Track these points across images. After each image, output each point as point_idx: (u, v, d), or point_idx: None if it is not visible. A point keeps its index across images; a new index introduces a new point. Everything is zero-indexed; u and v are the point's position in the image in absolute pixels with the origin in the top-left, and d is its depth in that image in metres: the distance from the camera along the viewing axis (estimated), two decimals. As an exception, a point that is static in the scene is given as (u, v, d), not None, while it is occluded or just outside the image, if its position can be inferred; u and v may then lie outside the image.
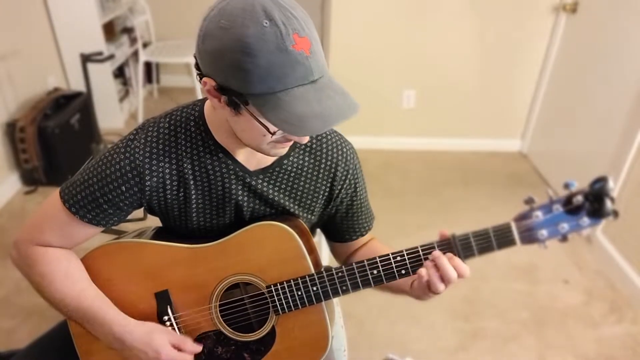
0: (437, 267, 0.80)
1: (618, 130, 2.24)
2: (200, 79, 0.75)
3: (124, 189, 0.87)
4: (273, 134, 0.75)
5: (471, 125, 3.21)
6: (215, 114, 0.85)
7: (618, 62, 2.28)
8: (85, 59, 2.35)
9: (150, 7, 3.60)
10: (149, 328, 0.91)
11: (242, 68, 0.67)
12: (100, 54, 2.43)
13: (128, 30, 3.62)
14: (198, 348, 0.94)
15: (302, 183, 0.95)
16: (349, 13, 2.82)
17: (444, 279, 0.80)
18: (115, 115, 3.40)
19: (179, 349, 0.92)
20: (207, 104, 0.89)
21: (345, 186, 0.98)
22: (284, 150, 0.85)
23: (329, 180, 0.96)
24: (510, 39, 2.89)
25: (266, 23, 0.66)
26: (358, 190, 1.01)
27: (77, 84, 3.15)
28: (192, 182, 0.90)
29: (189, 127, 0.88)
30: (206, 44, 0.70)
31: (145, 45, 3.58)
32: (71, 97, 2.87)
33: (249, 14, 0.66)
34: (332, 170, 0.96)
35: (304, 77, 0.68)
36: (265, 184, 0.92)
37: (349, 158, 0.97)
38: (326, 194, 0.98)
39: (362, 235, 1.07)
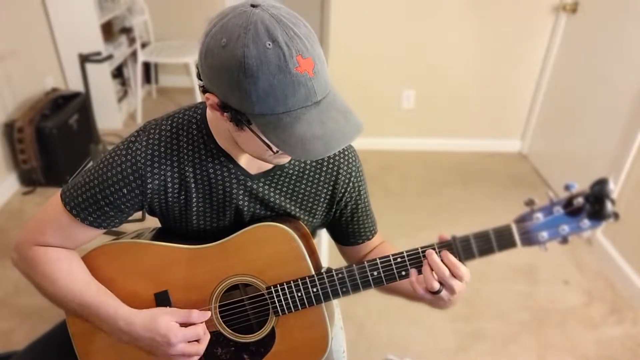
0: (429, 264, 0.81)
1: (618, 131, 2.23)
2: (204, 93, 0.74)
3: (125, 191, 0.86)
4: (276, 152, 0.75)
5: (471, 126, 3.20)
6: (217, 120, 0.85)
7: (618, 62, 2.28)
8: (84, 59, 2.34)
9: (149, 7, 3.60)
10: (150, 314, 0.88)
11: (242, 88, 0.66)
12: (98, 54, 2.42)
13: (127, 31, 3.61)
14: (206, 315, 0.91)
15: (303, 186, 0.95)
16: (348, 13, 2.82)
17: (438, 277, 0.80)
18: (114, 116, 3.39)
19: (187, 324, 0.89)
20: None
21: (349, 189, 0.98)
22: (286, 159, 0.85)
23: (331, 183, 0.96)
24: (510, 39, 2.89)
25: (269, 45, 0.64)
26: (362, 193, 1.00)
27: (75, 84, 3.14)
28: (193, 186, 0.89)
29: (190, 130, 0.87)
30: (208, 61, 0.69)
31: (143, 45, 3.57)
32: (69, 97, 2.86)
33: (252, 34, 0.64)
34: (334, 173, 0.95)
35: (307, 99, 0.68)
36: (266, 187, 0.92)
37: (351, 161, 0.96)
38: (328, 196, 0.97)
39: (369, 239, 1.06)
